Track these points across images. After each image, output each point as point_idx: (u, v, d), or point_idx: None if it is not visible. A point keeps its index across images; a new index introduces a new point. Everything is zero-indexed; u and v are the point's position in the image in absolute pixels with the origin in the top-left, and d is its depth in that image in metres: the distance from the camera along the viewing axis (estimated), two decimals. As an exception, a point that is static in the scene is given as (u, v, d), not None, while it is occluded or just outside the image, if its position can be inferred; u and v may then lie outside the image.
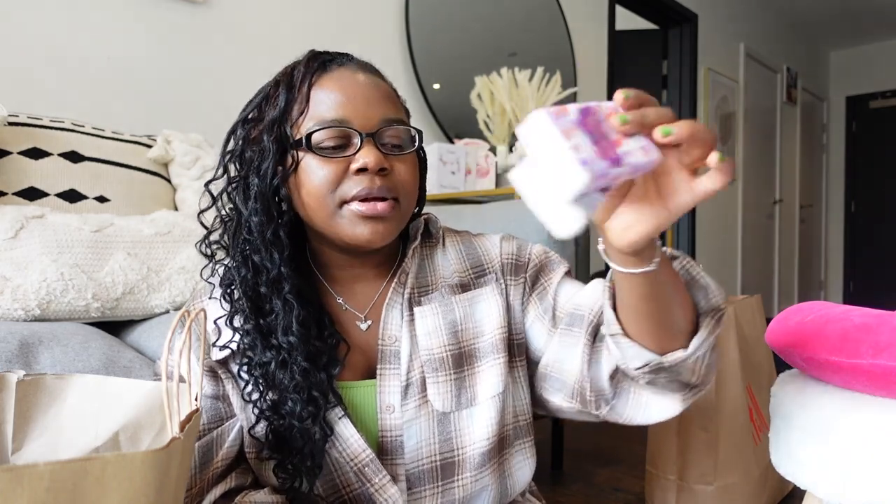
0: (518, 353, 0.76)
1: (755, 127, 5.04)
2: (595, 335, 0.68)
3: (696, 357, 0.58)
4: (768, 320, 1.07)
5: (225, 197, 0.71)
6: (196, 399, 0.50)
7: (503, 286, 0.75)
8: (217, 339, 0.70)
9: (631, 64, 4.00)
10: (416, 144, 0.71)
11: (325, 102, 0.67)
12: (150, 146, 1.52)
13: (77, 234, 1.11)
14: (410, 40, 2.55)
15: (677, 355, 0.58)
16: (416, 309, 0.73)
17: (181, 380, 0.50)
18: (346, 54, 0.73)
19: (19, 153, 1.28)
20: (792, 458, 0.82)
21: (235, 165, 0.71)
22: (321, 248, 0.74)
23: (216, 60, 1.96)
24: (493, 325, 0.74)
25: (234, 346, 0.68)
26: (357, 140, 0.66)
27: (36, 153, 1.30)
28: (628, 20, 4.03)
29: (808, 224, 6.12)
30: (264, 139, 0.68)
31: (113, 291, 1.12)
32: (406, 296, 0.73)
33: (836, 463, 0.74)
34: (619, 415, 0.68)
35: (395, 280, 0.74)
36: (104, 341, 0.98)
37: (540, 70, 2.53)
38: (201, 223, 0.72)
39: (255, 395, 0.67)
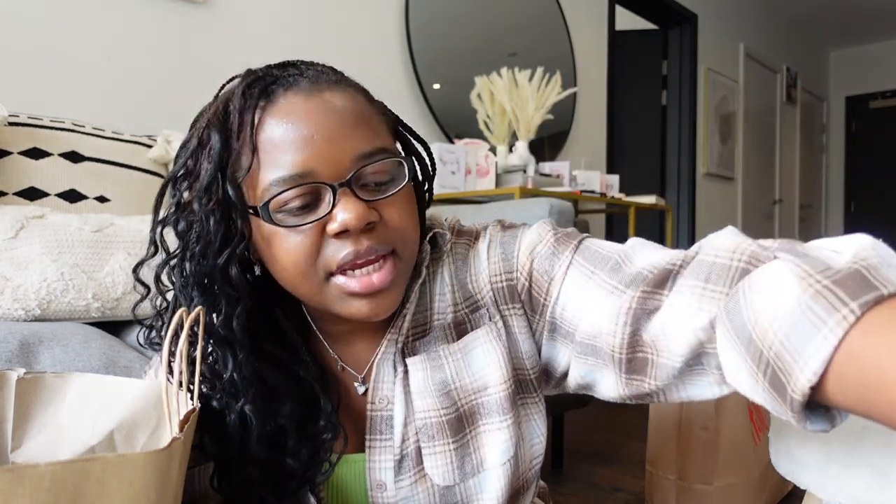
0: (535, 387, 0.62)
1: (755, 127, 5.04)
2: (628, 369, 0.51)
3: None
4: (768, 320, 1.07)
5: (164, 278, 0.56)
6: (194, 398, 0.50)
7: (499, 325, 0.60)
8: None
9: (631, 64, 4.00)
10: (407, 177, 0.55)
11: (277, 152, 0.51)
12: (150, 146, 1.52)
13: (77, 234, 1.11)
14: (410, 40, 2.55)
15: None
16: (408, 361, 0.59)
17: (180, 380, 0.50)
18: (294, 65, 0.57)
19: (19, 153, 1.28)
20: (792, 458, 0.82)
21: (178, 235, 0.55)
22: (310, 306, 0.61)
23: (216, 60, 1.96)
24: (495, 378, 0.59)
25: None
26: (329, 195, 0.51)
27: (36, 153, 1.30)
28: (628, 20, 4.03)
29: (808, 224, 6.12)
30: (196, 207, 0.52)
31: (113, 291, 1.12)
32: (399, 345, 0.60)
33: (836, 463, 0.74)
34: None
35: (393, 327, 0.60)
36: (104, 341, 0.98)
37: (540, 70, 2.54)
38: (135, 318, 0.59)
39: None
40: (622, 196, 2.93)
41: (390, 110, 0.61)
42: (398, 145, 0.61)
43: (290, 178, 0.51)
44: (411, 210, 0.57)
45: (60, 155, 1.33)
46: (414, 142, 0.63)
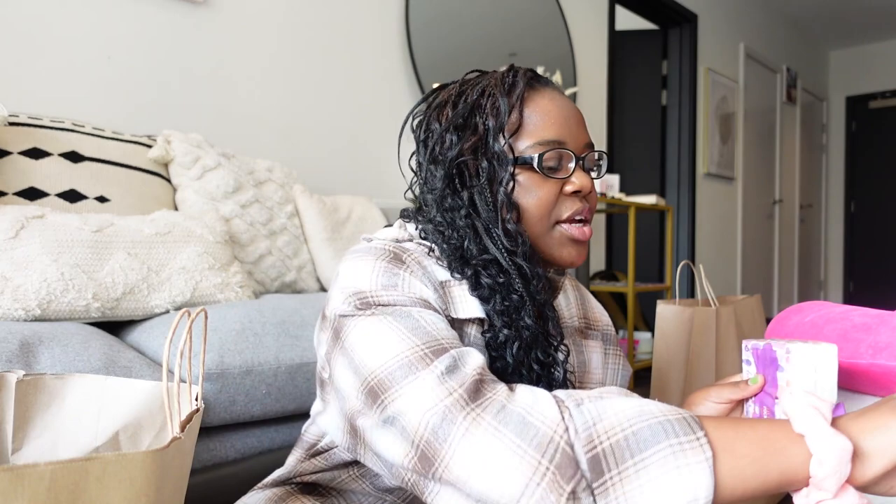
0: None
1: (755, 127, 5.04)
2: None
3: None
4: (768, 320, 1.07)
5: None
6: (196, 399, 0.50)
7: (606, 350, 0.83)
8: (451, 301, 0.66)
9: (631, 64, 4.00)
10: (604, 170, 0.73)
11: (544, 121, 0.67)
12: (150, 146, 1.52)
13: (77, 234, 1.11)
14: (410, 40, 2.55)
15: None
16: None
17: (182, 380, 0.50)
18: (546, 77, 0.73)
19: (20, 153, 1.28)
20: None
21: (453, 174, 0.67)
22: None
23: (216, 60, 1.96)
24: (596, 364, 0.81)
25: (480, 314, 0.65)
26: (571, 163, 0.67)
27: (36, 153, 1.30)
28: (628, 20, 4.03)
29: (808, 224, 6.12)
30: (481, 155, 0.66)
31: (113, 291, 1.12)
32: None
33: (835, 463, 0.73)
34: None
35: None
36: (104, 341, 0.98)
37: (540, 70, 2.54)
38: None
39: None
40: (622, 196, 2.93)
41: None
42: None
43: (552, 141, 0.66)
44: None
45: (60, 155, 1.33)
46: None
